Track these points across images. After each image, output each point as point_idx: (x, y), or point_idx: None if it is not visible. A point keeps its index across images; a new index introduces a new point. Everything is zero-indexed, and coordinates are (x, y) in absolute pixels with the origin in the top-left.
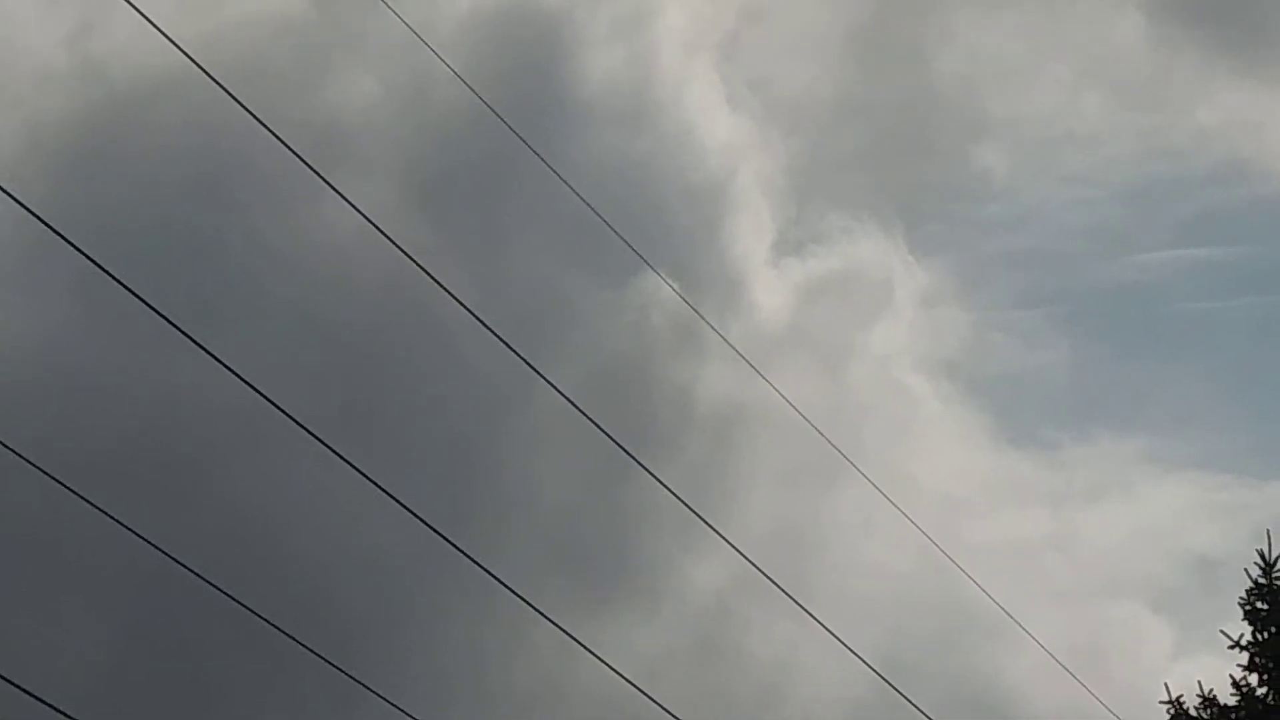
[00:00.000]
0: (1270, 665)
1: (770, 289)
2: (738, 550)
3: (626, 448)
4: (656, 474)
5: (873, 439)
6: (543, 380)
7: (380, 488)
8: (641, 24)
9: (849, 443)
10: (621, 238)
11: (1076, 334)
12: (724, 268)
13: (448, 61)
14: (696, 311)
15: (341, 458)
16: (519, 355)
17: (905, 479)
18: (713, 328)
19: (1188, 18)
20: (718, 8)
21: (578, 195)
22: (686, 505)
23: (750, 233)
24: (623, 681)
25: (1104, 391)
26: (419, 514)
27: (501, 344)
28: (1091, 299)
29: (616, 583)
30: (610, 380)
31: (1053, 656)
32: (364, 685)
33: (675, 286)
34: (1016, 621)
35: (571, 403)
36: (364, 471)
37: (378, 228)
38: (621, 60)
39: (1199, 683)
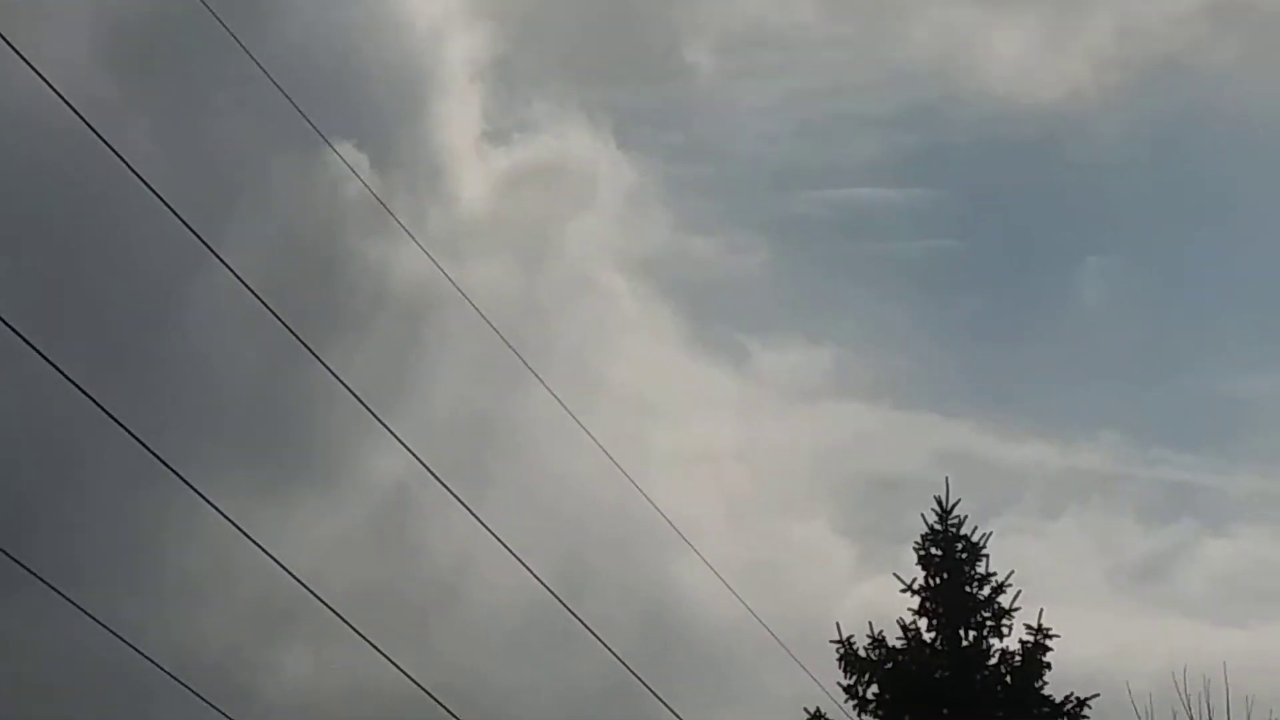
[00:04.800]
0: (940, 611)
1: (472, 176)
2: (405, 446)
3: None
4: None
5: (567, 336)
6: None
7: (51, 364)
8: None
9: (543, 338)
10: (302, 113)
11: (776, 244)
12: (426, 150)
13: None
14: (381, 202)
15: (14, 330)
16: (190, 229)
17: (596, 379)
18: (398, 221)
19: None
20: None
21: (257, 64)
22: (356, 396)
23: (456, 116)
24: (296, 565)
25: (800, 305)
26: (90, 393)
27: (179, 220)
28: (795, 210)
29: (297, 467)
30: (299, 255)
31: (718, 574)
32: (27, 569)
33: (359, 173)
34: (684, 537)
35: (243, 282)
36: (35, 345)
37: (53, 88)
38: None
39: (870, 624)
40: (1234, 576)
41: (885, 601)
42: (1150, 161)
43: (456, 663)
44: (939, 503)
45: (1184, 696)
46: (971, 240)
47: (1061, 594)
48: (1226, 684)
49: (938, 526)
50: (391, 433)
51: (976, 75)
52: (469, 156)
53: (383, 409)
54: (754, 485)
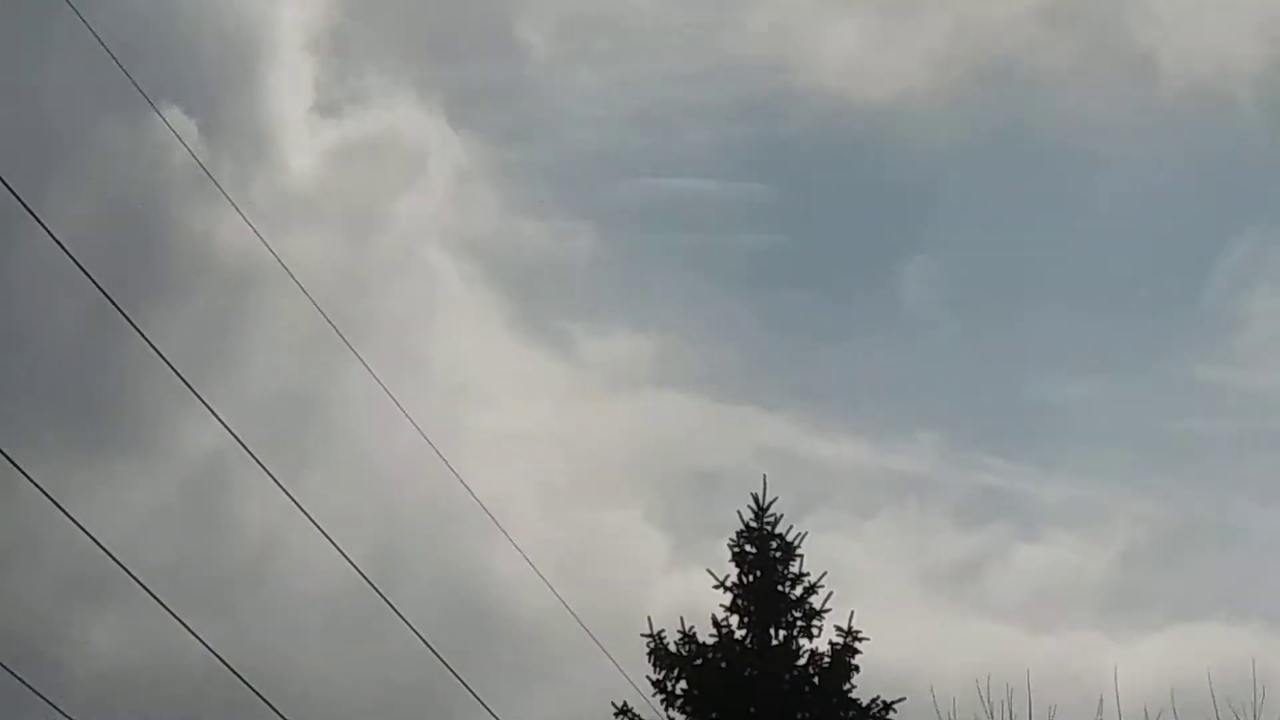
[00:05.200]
0: (752, 609)
1: (302, 147)
2: (220, 420)
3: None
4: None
5: (390, 313)
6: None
7: None
8: None
9: (366, 315)
10: (128, 75)
11: (605, 231)
12: (256, 119)
13: None
14: (205, 169)
15: None
16: (10, 190)
17: (418, 359)
18: (221, 190)
19: None
20: None
21: (85, 24)
22: (171, 367)
23: (287, 86)
24: (107, 535)
25: (626, 293)
26: None
27: None
28: (625, 198)
29: (112, 436)
30: (122, 221)
31: (528, 561)
32: None
33: (187, 139)
34: (496, 521)
35: (61, 246)
36: None
37: None
38: None
39: (681, 619)
40: (1045, 582)
41: (698, 595)
42: (979, 163)
43: (266, 641)
44: (755, 500)
45: (987, 704)
46: (799, 236)
47: (874, 594)
48: (1029, 691)
49: (753, 524)
50: (206, 405)
51: (811, 70)
52: (299, 127)
53: (201, 380)
54: (571, 472)
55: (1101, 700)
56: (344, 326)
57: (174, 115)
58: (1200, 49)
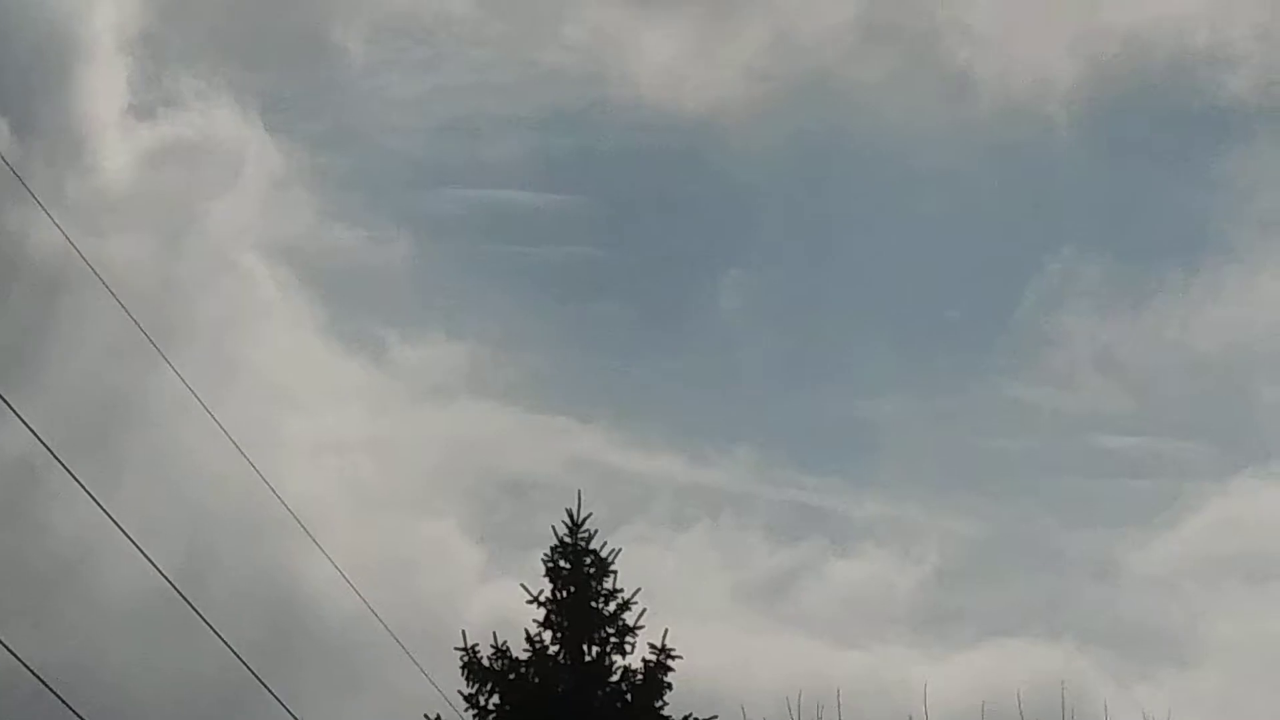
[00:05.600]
0: (565, 624)
1: (115, 149)
2: (27, 425)
3: None
4: None
5: (204, 318)
6: None
7: None
8: None
9: (179, 319)
10: None
11: (419, 239)
12: (69, 120)
13: None
14: (13, 170)
15: None
16: None
17: (232, 364)
18: (30, 191)
19: None
20: None
21: None
22: None
23: (101, 87)
24: None
25: (440, 301)
26: None
27: None
28: (438, 208)
29: None
30: None
31: (340, 571)
32: None
33: None
34: (306, 530)
35: None
36: None
37: None
38: None
39: (494, 634)
40: (857, 598)
41: (514, 607)
42: (796, 176)
43: (74, 646)
44: (570, 515)
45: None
46: (613, 248)
47: (688, 608)
48: (839, 707)
49: (567, 539)
50: (13, 410)
51: (627, 80)
52: (113, 129)
53: (11, 383)
54: (385, 481)
55: (910, 717)
56: (157, 331)
57: None
58: (1016, 66)
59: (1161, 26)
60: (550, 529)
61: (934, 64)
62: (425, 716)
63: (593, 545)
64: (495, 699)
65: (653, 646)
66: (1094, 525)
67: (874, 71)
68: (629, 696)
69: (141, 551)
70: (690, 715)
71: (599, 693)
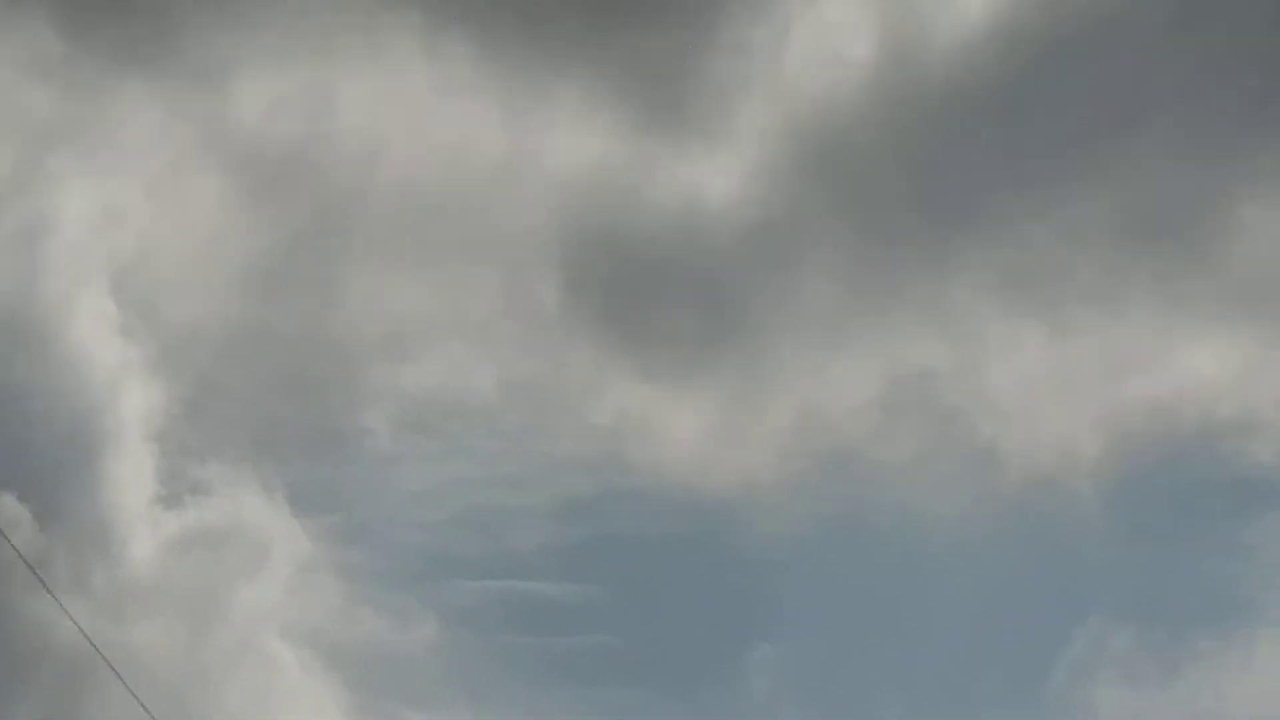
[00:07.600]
0: None
1: (142, 537)
2: None
3: None
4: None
5: (230, 703)
6: None
7: None
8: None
9: (205, 705)
10: None
11: (440, 628)
12: (94, 508)
13: None
14: (30, 567)
15: None
16: None
17: None
18: (47, 588)
19: None
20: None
21: None
22: None
23: (127, 476)
24: None
25: (463, 689)
26: None
27: None
28: (457, 597)
29: None
30: None
31: None
32: None
33: (21, 527)
34: None
35: None
36: None
37: None
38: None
39: None
40: None
41: None
42: (822, 553)
43: None
44: None
45: None
46: (633, 633)
47: None
48: None
49: None
50: None
51: (649, 463)
52: (139, 517)
53: None
54: None
55: None
56: (183, 716)
57: (8, 502)
58: (1041, 440)
59: (1185, 398)
60: None
61: (958, 438)
62: None
63: None
64: None
65: None
66: None
67: (897, 446)
68: None
69: None
70: None
71: None
